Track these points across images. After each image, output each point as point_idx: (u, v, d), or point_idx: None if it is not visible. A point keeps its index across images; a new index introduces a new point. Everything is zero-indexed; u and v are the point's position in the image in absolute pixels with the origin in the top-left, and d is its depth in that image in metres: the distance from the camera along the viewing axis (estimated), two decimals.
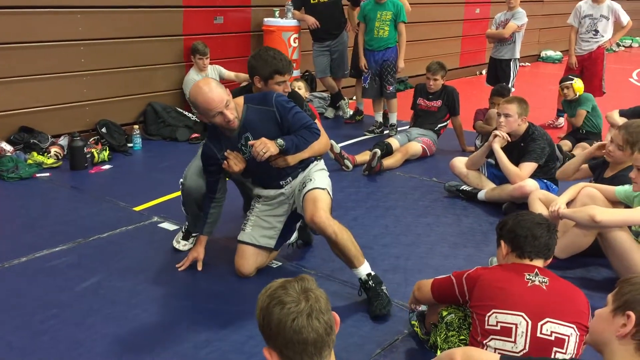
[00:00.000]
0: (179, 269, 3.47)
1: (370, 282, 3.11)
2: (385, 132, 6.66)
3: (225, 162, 3.25)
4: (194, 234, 3.74)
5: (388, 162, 5.48)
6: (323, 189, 3.29)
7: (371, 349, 2.79)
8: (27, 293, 3.20)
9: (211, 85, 3.11)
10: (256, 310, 1.54)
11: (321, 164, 3.55)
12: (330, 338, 1.51)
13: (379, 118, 6.78)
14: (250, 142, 3.16)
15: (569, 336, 2.21)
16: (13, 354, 2.68)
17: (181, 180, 3.64)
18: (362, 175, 5.31)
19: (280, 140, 3.16)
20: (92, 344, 2.77)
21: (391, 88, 6.55)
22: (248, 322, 2.94)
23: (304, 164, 3.43)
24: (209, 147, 3.30)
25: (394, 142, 5.79)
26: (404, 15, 6.44)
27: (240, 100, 3.26)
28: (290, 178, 3.41)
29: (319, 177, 3.38)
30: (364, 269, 3.16)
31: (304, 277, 1.56)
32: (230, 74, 6.75)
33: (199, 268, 3.47)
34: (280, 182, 3.41)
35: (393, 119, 6.65)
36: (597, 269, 3.66)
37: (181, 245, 3.74)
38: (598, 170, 3.98)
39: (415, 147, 5.78)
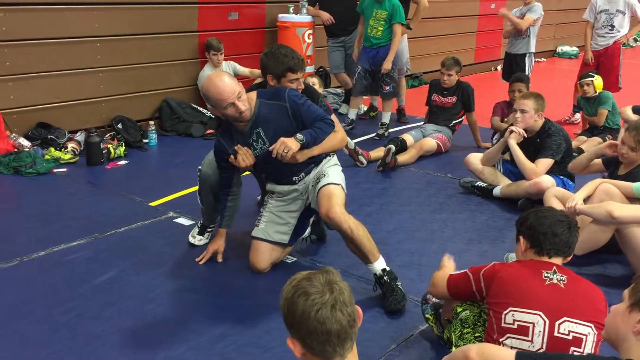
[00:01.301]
0: (200, 263, 3.50)
1: (385, 278, 3.12)
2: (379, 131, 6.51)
3: (232, 156, 3.25)
4: (209, 229, 3.76)
5: (402, 158, 5.47)
6: (337, 184, 3.29)
7: (386, 344, 2.79)
8: (45, 287, 3.24)
9: (223, 77, 3.13)
10: (280, 301, 1.56)
11: (334, 159, 3.55)
12: (353, 330, 1.52)
13: (353, 115, 6.59)
14: (270, 148, 3.16)
15: (586, 335, 2.19)
16: (30, 347, 2.72)
17: (199, 167, 3.67)
18: (376, 171, 5.31)
19: (299, 136, 3.18)
20: (108, 337, 2.80)
21: (388, 88, 6.38)
22: (264, 317, 2.95)
23: (317, 159, 3.43)
24: (220, 142, 3.31)
25: (408, 138, 5.77)
26: (401, 16, 6.25)
27: (253, 94, 3.28)
28: (303, 174, 3.40)
29: (332, 172, 3.38)
30: (379, 264, 3.16)
31: (329, 270, 1.57)
32: (244, 70, 6.76)
33: (219, 260, 3.50)
34: (293, 178, 3.41)
35: (386, 118, 6.53)
36: (614, 266, 3.63)
37: (197, 240, 3.76)
38: (612, 167, 3.95)
39: (430, 143, 5.76)
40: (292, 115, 3.22)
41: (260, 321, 2.94)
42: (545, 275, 2.29)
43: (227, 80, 3.10)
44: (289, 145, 3.13)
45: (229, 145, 3.28)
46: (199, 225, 3.82)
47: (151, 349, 2.73)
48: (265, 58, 3.52)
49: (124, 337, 2.80)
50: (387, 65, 6.28)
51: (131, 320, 2.94)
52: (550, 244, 2.35)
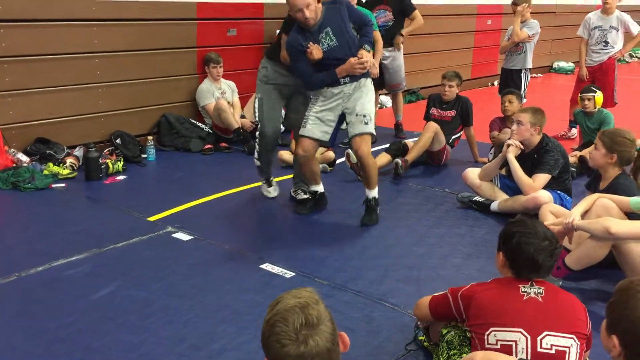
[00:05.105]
0: (312, 49, 4.03)
1: (371, 202, 4.32)
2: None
3: (308, 49, 3.99)
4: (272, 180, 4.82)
5: (410, 155, 5.57)
6: (373, 134, 4.24)
7: (384, 359, 2.78)
8: (44, 301, 3.24)
9: None
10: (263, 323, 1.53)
11: (370, 82, 4.32)
12: None
13: None
14: (366, 64, 4.07)
15: (569, 347, 2.19)
16: None
17: (258, 126, 4.53)
18: None
19: (367, 47, 4.08)
20: (107, 352, 2.79)
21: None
22: (260, 331, 2.94)
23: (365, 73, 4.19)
24: (294, 36, 4.05)
25: (407, 142, 5.85)
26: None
27: (320, 5, 4.04)
28: (348, 78, 4.13)
29: (369, 111, 4.20)
30: (372, 193, 4.33)
31: (309, 305, 1.48)
32: (237, 102, 6.82)
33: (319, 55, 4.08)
34: (340, 79, 4.12)
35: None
36: (612, 281, 3.63)
37: (272, 191, 4.77)
38: (593, 185, 3.96)
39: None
40: (347, 13, 4.05)
41: (257, 336, 2.92)
42: (523, 290, 2.30)
43: None
44: (371, 61, 4.11)
45: (303, 39, 4.02)
46: (263, 182, 4.75)
47: None
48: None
49: (122, 352, 2.80)
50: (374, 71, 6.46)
51: (130, 335, 2.93)
52: (530, 271, 2.34)
